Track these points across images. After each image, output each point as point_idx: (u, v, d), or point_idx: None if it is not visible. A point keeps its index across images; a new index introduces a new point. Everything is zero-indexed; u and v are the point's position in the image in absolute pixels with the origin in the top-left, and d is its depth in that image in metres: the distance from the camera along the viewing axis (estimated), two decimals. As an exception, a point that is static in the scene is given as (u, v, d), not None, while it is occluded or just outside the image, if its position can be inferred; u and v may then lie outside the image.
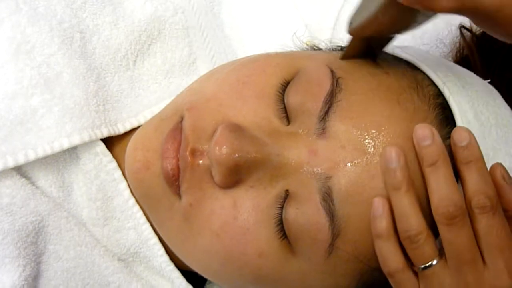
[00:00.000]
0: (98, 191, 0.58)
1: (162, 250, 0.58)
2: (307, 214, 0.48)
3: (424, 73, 0.53)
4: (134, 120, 0.61)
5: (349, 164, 0.47)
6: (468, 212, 0.47)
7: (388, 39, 0.52)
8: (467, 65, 0.60)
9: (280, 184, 0.49)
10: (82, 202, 0.58)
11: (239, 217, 0.49)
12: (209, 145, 0.49)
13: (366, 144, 0.48)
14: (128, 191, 0.58)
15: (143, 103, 0.62)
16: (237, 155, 0.47)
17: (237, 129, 0.49)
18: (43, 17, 0.57)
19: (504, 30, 0.44)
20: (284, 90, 0.50)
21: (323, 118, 0.49)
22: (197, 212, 0.50)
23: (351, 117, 0.48)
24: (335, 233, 0.48)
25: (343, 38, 0.61)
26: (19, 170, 0.56)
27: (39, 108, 0.55)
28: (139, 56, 0.63)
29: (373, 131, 0.48)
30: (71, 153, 0.57)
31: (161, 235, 0.56)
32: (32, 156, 0.54)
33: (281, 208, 0.48)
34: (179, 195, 0.50)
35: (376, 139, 0.48)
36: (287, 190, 0.49)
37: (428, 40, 0.67)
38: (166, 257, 0.59)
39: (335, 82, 0.50)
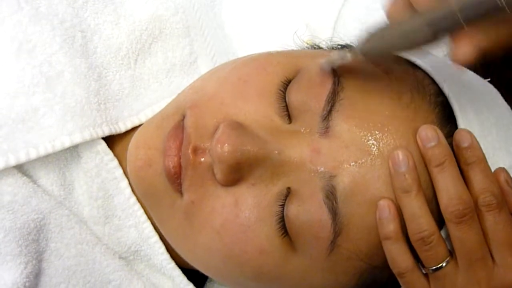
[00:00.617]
0: (99, 189, 0.58)
1: (163, 248, 0.59)
2: (309, 211, 0.48)
3: (424, 72, 0.53)
4: (135, 118, 0.61)
5: (353, 164, 0.48)
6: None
7: None
8: (467, 64, 0.60)
9: (281, 181, 0.49)
10: (83, 201, 0.58)
11: (240, 214, 0.49)
12: (211, 143, 0.49)
13: (370, 145, 0.48)
14: (129, 189, 0.58)
15: (144, 101, 0.62)
16: (238, 153, 0.48)
17: (238, 127, 0.49)
18: (45, 16, 0.58)
19: None
20: (285, 89, 0.51)
21: (326, 117, 0.49)
22: (198, 210, 0.50)
23: (354, 117, 0.49)
24: (337, 231, 0.48)
25: (343, 37, 0.61)
26: (21, 169, 0.56)
27: (41, 107, 0.55)
28: (140, 55, 0.63)
29: (377, 131, 0.48)
30: (72, 152, 0.57)
31: (163, 233, 0.56)
32: (33, 155, 0.54)
33: (283, 205, 0.49)
34: (180, 193, 0.50)
35: (380, 140, 0.48)
36: (288, 188, 0.49)
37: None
38: (167, 255, 0.59)
39: (337, 81, 0.50)
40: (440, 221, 0.49)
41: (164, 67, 0.64)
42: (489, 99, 0.54)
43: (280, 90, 0.51)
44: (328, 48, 0.61)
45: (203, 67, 0.65)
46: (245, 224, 0.49)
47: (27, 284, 0.53)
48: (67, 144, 0.55)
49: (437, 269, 0.49)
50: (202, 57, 0.66)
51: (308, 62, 0.52)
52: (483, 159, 0.49)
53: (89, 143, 0.57)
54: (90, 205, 0.58)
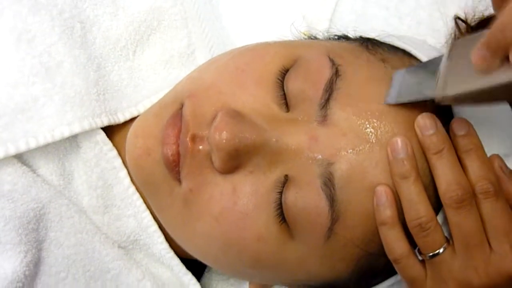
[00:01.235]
0: (98, 179, 0.58)
1: (162, 238, 0.59)
2: (307, 198, 0.48)
3: (420, 61, 0.54)
4: (134, 109, 0.61)
5: (351, 151, 0.48)
6: None
7: None
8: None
9: (279, 169, 0.49)
10: (82, 190, 0.58)
11: (238, 202, 0.49)
12: (209, 131, 0.49)
13: (368, 132, 0.49)
14: (128, 179, 0.58)
15: (143, 93, 0.62)
16: (237, 140, 0.48)
17: (236, 115, 0.49)
18: (44, 7, 0.58)
19: None
20: (283, 78, 0.51)
21: (324, 105, 0.49)
22: (196, 197, 0.50)
23: (351, 105, 0.49)
24: (334, 218, 0.48)
25: (340, 29, 0.62)
26: (20, 158, 0.56)
27: (40, 97, 0.56)
28: (139, 46, 0.63)
29: (374, 120, 0.49)
30: (71, 142, 0.58)
31: (161, 222, 0.56)
32: (33, 144, 0.55)
33: (281, 192, 0.49)
34: (179, 181, 0.51)
35: (377, 128, 0.49)
36: (286, 175, 0.49)
37: (424, 30, 0.67)
38: (165, 245, 0.59)
39: (335, 69, 0.50)
40: (435, 209, 0.49)
41: (163, 58, 0.64)
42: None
43: (278, 79, 0.51)
44: (325, 39, 0.61)
45: (201, 59, 0.66)
46: (243, 211, 0.49)
47: (26, 272, 0.53)
48: (67, 134, 0.56)
49: (434, 255, 0.49)
50: (200, 48, 0.66)
51: (306, 51, 0.53)
52: (480, 147, 0.49)
53: (88, 133, 0.57)
54: (89, 194, 0.58)
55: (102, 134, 0.58)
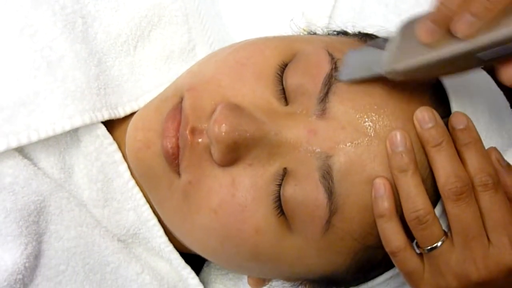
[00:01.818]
0: (98, 173, 0.58)
1: (161, 231, 0.59)
2: (305, 190, 0.49)
3: None
4: (134, 104, 0.62)
5: (349, 144, 0.48)
6: None
7: None
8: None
9: (278, 162, 0.50)
10: (83, 184, 0.59)
11: (237, 194, 0.50)
12: (208, 124, 0.50)
13: (367, 126, 0.49)
14: (128, 173, 0.59)
15: (143, 88, 0.63)
16: (236, 133, 0.48)
17: (236, 109, 0.49)
18: (46, 2, 0.59)
19: None
20: (282, 72, 0.51)
21: (323, 99, 0.49)
22: (196, 190, 0.51)
23: (350, 99, 0.49)
24: (333, 210, 0.49)
25: (340, 25, 0.62)
26: (21, 151, 0.56)
27: (42, 91, 0.56)
28: (140, 42, 0.64)
29: (373, 113, 0.49)
30: (72, 136, 0.58)
31: (161, 215, 0.57)
32: (34, 137, 0.55)
33: (279, 185, 0.49)
34: (178, 174, 0.51)
35: (376, 122, 0.49)
36: (285, 168, 0.49)
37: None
38: (165, 238, 0.60)
39: (334, 64, 0.51)
40: (433, 202, 0.50)
41: (163, 54, 0.65)
42: (482, 84, 0.55)
43: (277, 73, 0.51)
44: (324, 34, 0.62)
45: (201, 54, 0.66)
46: (242, 204, 0.49)
47: (27, 264, 0.54)
48: (68, 127, 0.56)
49: (432, 249, 0.49)
50: (200, 44, 0.67)
51: (305, 46, 0.53)
52: (478, 140, 0.49)
53: (89, 127, 0.58)
54: (89, 188, 0.59)
55: (103, 128, 0.59)
